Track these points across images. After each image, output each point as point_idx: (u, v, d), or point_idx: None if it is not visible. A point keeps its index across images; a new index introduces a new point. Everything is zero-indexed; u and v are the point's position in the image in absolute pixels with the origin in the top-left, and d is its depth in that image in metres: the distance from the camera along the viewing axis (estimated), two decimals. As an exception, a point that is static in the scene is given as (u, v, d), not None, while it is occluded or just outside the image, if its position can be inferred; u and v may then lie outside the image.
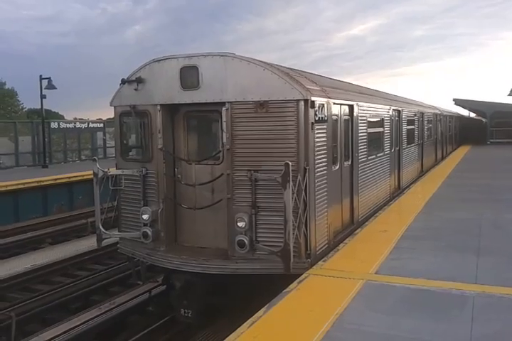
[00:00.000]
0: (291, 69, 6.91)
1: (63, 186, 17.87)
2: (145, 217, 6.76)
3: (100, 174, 6.90)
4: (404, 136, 12.85)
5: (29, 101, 60.93)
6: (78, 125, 26.98)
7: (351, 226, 7.97)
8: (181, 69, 6.45)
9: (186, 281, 6.50)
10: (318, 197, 6.45)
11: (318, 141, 6.39)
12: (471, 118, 47.49)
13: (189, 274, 6.40)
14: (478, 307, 4.57)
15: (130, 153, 7.48)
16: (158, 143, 6.74)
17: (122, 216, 7.35)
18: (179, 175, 6.86)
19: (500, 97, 52.16)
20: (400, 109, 12.15)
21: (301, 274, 5.84)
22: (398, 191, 11.91)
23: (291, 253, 5.76)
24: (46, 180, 17.24)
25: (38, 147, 23.43)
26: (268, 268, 6.08)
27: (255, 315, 4.52)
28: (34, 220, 15.28)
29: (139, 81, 6.82)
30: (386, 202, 10.49)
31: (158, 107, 6.72)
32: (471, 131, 37.04)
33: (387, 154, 10.75)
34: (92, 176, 6.97)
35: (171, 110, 6.84)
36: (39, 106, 23.59)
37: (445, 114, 24.16)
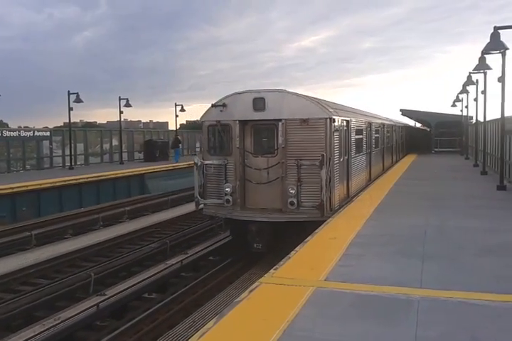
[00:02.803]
0: (318, 99, 11.14)
1: (5, 197, 17.19)
2: (228, 189, 10.74)
3: (199, 163, 10.86)
4: (373, 142, 17.20)
5: (-30, 109, 58.23)
6: (23, 133, 25.83)
7: (347, 199, 12.09)
8: (254, 99, 10.53)
9: (258, 227, 10.35)
10: (335, 176, 10.71)
11: (335, 143, 10.70)
12: (418, 128, 49.33)
13: (260, 223, 10.35)
14: (423, 310, 4.74)
15: (212, 151, 11.28)
16: (236, 144, 10.77)
17: (208, 190, 11.23)
18: (248, 164, 10.87)
19: (445, 108, 55.10)
20: (371, 121, 16.48)
21: (325, 220, 9.45)
22: (369, 181, 16.11)
23: (325, 206, 10.03)
24: (-13, 191, 16.44)
25: (-22, 156, 22.33)
26: (309, 217, 10.14)
27: (205, 326, 4.48)
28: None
29: (224, 105, 10.81)
30: (364, 187, 14.61)
31: (237, 122, 10.72)
32: (417, 140, 38.49)
33: (364, 154, 15.10)
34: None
35: (244, 123, 10.84)
36: (-20, 114, 22.49)
37: (398, 124, 28.50)
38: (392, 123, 24.82)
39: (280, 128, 10.32)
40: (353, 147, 13.01)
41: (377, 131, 18.03)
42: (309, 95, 10.77)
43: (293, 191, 10.21)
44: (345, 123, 11.86)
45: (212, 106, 10.89)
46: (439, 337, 4.16)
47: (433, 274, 5.91)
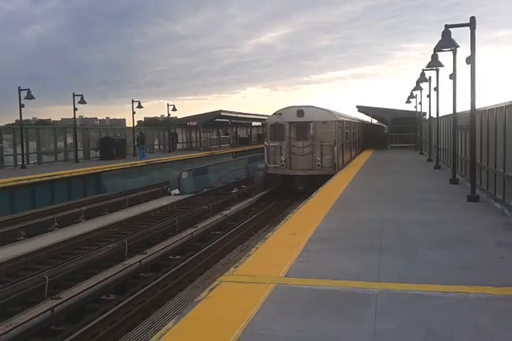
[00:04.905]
0: (331, 110, 21.32)
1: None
2: (283, 158, 20.12)
3: (267, 145, 20.49)
4: (352, 134, 26.32)
5: None
6: (-30, 132, 24.63)
7: (343, 165, 21.19)
8: (297, 110, 20.10)
9: (300, 178, 20.03)
10: (339, 151, 20.32)
11: (339, 133, 20.34)
12: (374, 124, 50.35)
13: (301, 176, 20.05)
14: (381, 304, 4.79)
15: (271, 139, 20.78)
16: (287, 134, 20.16)
17: (270, 160, 20.52)
18: (293, 145, 20.22)
19: (400, 104, 56.64)
20: (350, 121, 25.89)
21: (334, 174, 18.11)
22: (351, 158, 25.13)
23: (336, 166, 19.73)
24: None
25: None
26: (326, 171, 19.31)
27: (164, 328, 4.38)
28: None
29: (280, 113, 20.38)
30: (349, 161, 23.74)
31: (288, 123, 20.21)
32: (373, 136, 39.35)
33: (349, 141, 24.46)
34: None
35: (291, 123, 20.26)
36: None
37: (363, 122, 36.26)
38: (359, 121, 33.40)
39: (311, 126, 19.79)
40: (345, 136, 22.46)
41: (353, 127, 27.43)
42: (329, 108, 20.97)
43: (319, 158, 19.68)
44: (342, 122, 21.13)
45: (274, 114, 20.53)
46: (397, 330, 4.24)
47: (390, 268, 6.00)
